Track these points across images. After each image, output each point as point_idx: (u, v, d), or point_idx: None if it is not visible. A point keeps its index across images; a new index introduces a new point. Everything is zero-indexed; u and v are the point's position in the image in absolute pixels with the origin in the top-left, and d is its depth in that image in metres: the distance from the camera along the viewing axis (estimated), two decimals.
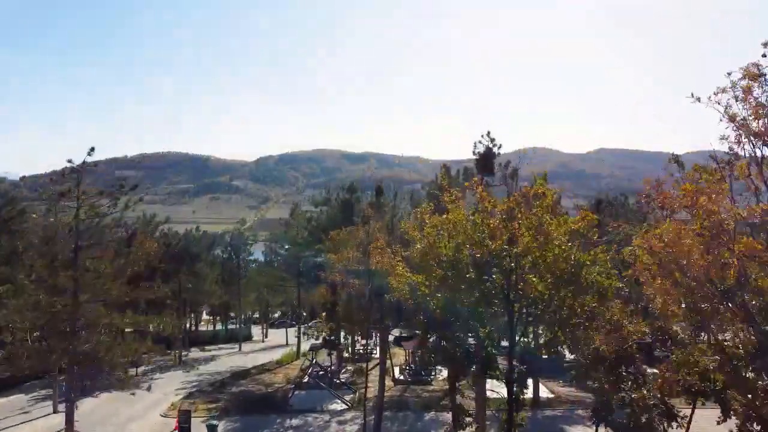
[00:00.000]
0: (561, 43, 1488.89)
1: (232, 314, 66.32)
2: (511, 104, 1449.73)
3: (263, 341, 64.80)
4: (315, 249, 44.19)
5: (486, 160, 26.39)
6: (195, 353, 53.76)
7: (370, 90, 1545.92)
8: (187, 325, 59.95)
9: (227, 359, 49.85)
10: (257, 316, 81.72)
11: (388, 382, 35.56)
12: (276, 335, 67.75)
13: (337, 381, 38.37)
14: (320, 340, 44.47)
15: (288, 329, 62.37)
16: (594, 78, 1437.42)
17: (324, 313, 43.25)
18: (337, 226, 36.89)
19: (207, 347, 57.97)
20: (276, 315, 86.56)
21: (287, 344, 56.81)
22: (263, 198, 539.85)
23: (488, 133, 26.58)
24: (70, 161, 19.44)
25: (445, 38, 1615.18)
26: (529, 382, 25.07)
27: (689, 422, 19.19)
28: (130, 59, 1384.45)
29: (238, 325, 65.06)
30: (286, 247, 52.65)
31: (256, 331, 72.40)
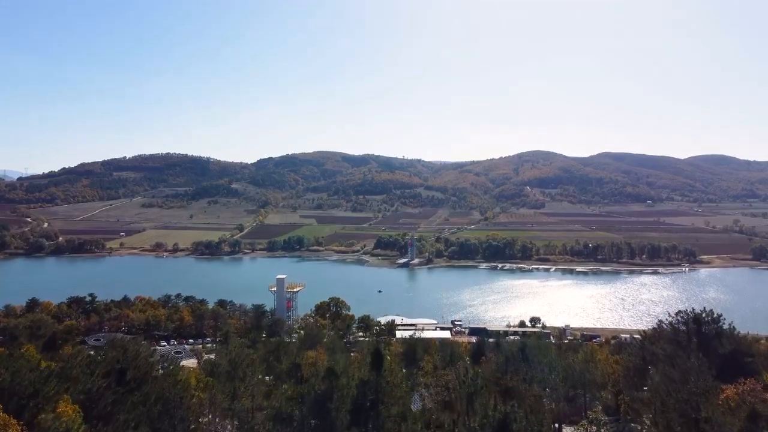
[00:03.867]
0: (562, 46, 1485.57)
1: None
2: (513, 107, 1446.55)
3: None
4: None
5: None
6: None
7: (371, 92, 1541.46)
8: None
9: None
10: None
11: None
12: None
13: None
14: None
15: None
16: (597, 81, 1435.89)
17: None
18: None
19: None
20: None
21: None
22: (262, 202, 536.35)
23: None
24: None
25: (446, 40, 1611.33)
26: None
27: None
28: (130, 60, 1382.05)
29: None
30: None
31: None
